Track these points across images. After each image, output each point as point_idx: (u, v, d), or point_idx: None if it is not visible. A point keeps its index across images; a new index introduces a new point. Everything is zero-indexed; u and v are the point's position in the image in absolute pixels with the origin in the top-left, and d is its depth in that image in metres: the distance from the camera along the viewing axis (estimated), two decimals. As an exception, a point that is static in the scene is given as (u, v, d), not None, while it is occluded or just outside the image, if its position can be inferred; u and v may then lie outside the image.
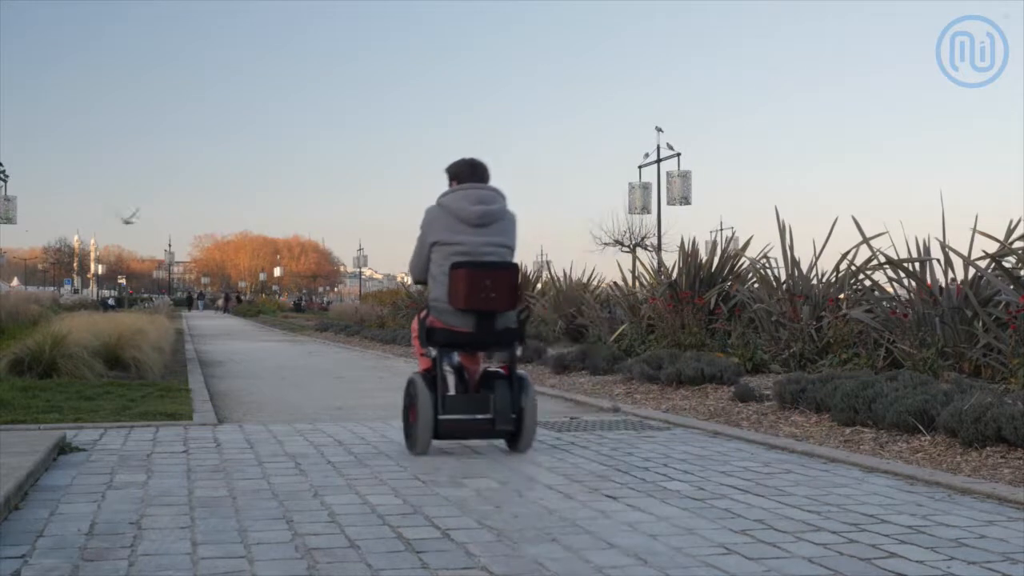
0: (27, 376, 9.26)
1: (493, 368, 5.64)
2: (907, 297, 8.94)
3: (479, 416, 5.34)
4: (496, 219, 5.40)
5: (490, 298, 5.24)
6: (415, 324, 5.60)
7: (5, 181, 22.11)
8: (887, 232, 9.71)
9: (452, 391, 5.40)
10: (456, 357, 5.56)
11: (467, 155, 5.60)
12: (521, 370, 5.60)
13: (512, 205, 5.54)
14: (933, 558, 3.21)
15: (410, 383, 5.45)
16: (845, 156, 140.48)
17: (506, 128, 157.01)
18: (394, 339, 19.36)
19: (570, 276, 18.00)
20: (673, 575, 3.02)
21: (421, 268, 5.49)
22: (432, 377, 5.31)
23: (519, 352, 5.60)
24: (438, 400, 5.26)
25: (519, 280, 5.48)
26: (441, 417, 5.26)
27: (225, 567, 3.06)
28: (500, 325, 5.39)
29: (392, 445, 5.77)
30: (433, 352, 5.36)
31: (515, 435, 5.40)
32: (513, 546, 3.35)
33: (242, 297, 75.23)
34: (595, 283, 18.17)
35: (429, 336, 5.37)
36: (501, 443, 5.65)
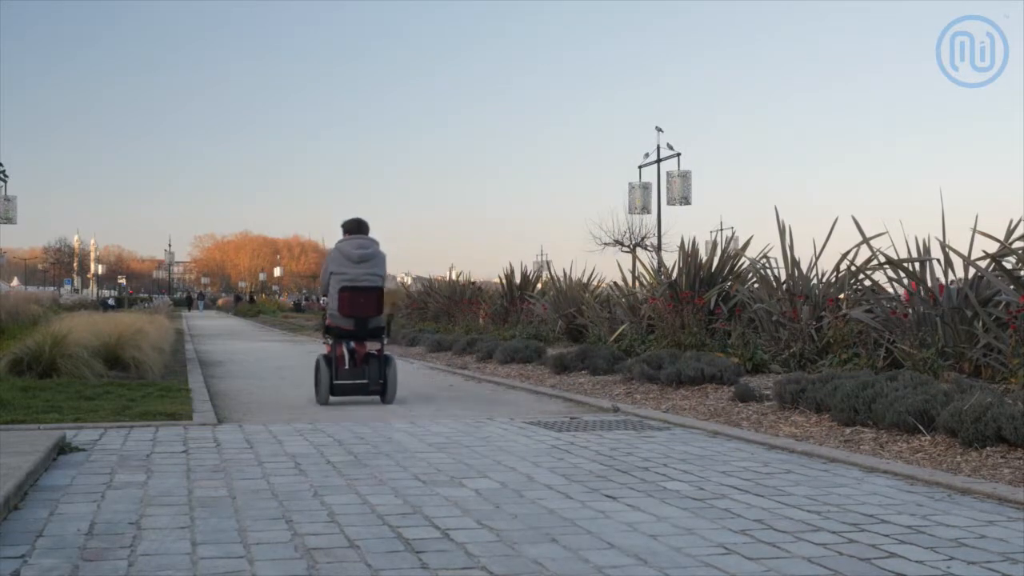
0: (27, 376, 9.26)
1: (372, 350, 8.21)
2: (907, 296, 8.94)
3: (359, 381, 8.15)
4: (371, 258, 8.29)
5: (363, 309, 8.14)
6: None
7: (5, 181, 22.06)
8: (887, 232, 9.71)
9: (346, 365, 8.12)
10: (352, 344, 8.16)
11: (356, 215, 8.56)
12: (388, 352, 8.39)
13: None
14: (933, 558, 3.21)
15: (317, 360, 8.28)
16: (845, 156, 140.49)
17: (506, 128, 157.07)
18: (394, 339, 19.34)
19: (570, 276, 17.98)
20: (673, 575, 3.02)
21: (324, 288, 8.47)
22: (329, 357, 8.16)
23: (386, 341, 8.38)
24: (333, 370, 8.10)
25: (383, 297, 8.37)
26: (335, 382, 8.12)
27: (225, 567, 3.06)
28: (372, 325, 8.22)
29: (392, 445, 5.78)
30: (330, 341, 8.25)
31: (383, 393, 8.16)
32: (513, 546, 3.35)
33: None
34: (595, 283, 18.16)
35: (327, 331, 8.33)
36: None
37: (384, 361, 8.20)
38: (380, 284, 8.38)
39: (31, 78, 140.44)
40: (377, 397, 8.20)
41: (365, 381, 8.13)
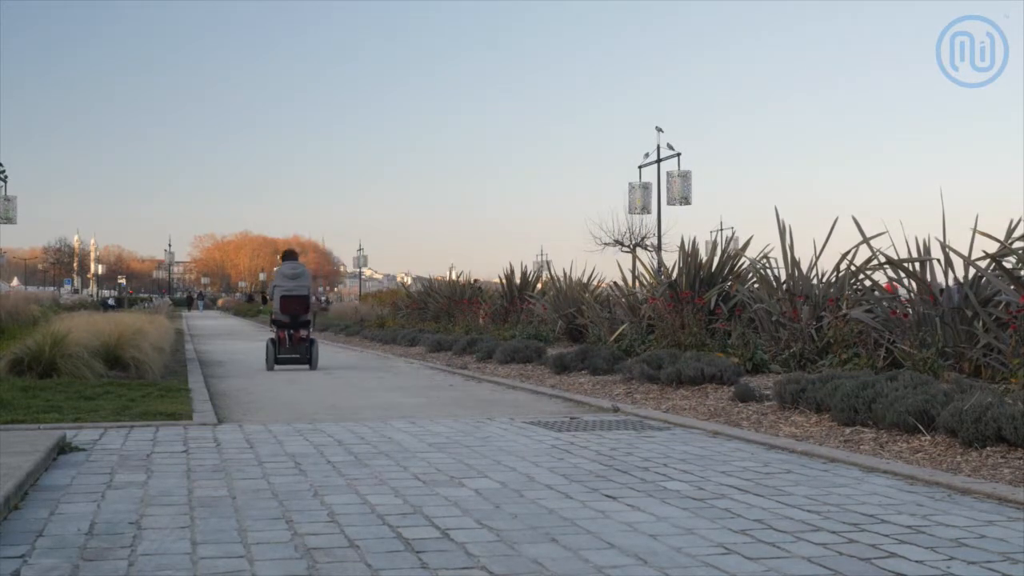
0: (27, 376, 9.26)
1: (303, 336, 12.55)
2: (907, 297, 8.94)
3: (294, 355, 12.41)
4: (300, 275, 12.68)
5: (295, 310, 12.45)
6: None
7: (5, 181, 22.04)
8: (887, 232, 9.71)
9: (286, 345, 12.45)
10: (291, 331, 12.46)
11: (289, 247, 15.60)
12: (313, 336, 12.94)
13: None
14: (933, 558, 3.21)
15: (267, 341, 12.77)
16: (845, 156, 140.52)
17: (507, 128, 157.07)
18: (394, 339, 19.35)
19: (570, 276, 17.98)
20: (673, 575, 3.02)
21: (271, 296, 12.86)
22: (275, 340, 12.48)
23: (312, 329, 12.86)
24: (277, 348, 12.44)
25: (310, 302, 12.72)
26: (278, 356, 12.38)
27: (225, 567, 3.06)
28: (301, 319, 12.53)
29: (392, 445, 5.78)
30: (275, 329, 12.56)
31: (310, 362, 12.42)
32: (513, 546, 3.35)
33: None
34: (595, 283, 18.17)
35: (273, 323, 12.64)
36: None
37: (310, 343, 12.63)
38: (307, 293, 12.75)
39: (31, 78, 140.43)
40: (307, 366, 12.48)
41: (298, 356, 12.50)
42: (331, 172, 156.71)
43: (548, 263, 24.42)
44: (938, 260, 8.96)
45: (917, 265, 9.13)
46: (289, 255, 13.14)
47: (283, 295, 12.45)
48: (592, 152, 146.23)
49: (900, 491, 4.36)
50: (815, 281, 10.32)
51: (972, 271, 8.63)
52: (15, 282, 77.23)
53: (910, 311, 8.63)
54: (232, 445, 5.75)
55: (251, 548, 3.29)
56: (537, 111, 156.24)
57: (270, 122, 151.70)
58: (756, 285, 11.47)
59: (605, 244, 25.83)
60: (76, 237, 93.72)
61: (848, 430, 6.14)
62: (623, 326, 12.90)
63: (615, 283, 15.35)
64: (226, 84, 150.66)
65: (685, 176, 19.81)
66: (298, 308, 12.44)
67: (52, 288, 73.16)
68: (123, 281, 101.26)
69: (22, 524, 3.62)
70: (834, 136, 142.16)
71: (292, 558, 3.17)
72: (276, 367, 12.30)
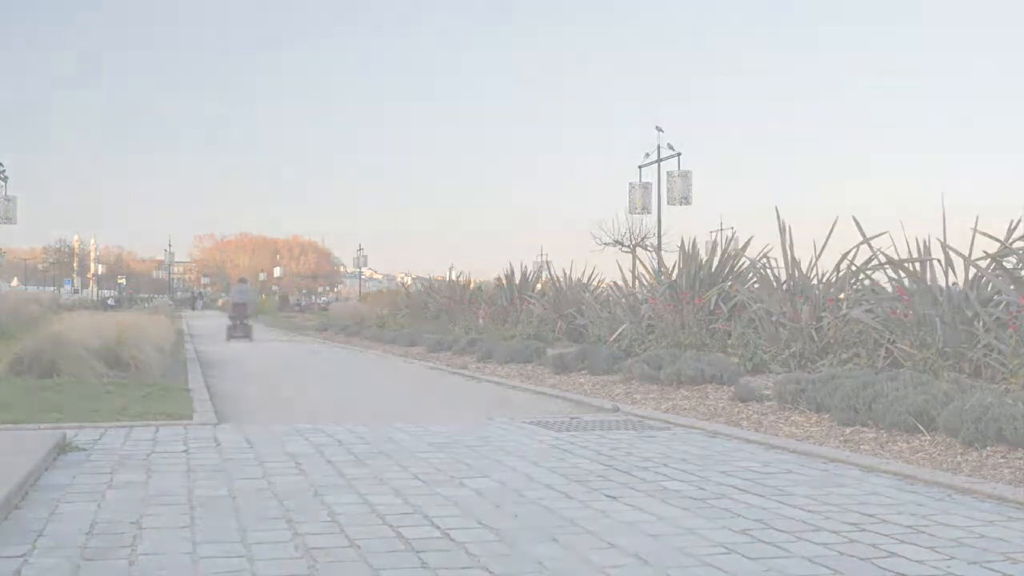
0: (27, 376, 9.25)
1: (245, 323, 22.96)
2: (907, 296, 8.93)
3: (240, 334, 22.36)
4: (246, 292, 24.32)
5: (241, 311, 23.50)
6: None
7: (5, 181, 22.02)
8: (887, 232, 9.69)
9: (237, 329, 22.67)
10: (239, 322, 23.06)
11: (242, 276, 35.65)
12: (251, 322, 24.05)
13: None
14: (933, 558, 3.21)
15: (227, 326, 23.31)
16: (846, 156, 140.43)
17: (507, 127, 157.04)
18: (394, 339, 19.34)
19: (570, 276, 17.96)
20: (673, 575, 3.02)
21: (231, 302, 24.82)
22: (230, 326, 23.02)
23: (251, 319, 24.74)
24: (231, 331, 22.73)
25: (253, 305, 26.11)
26: (232, 335, 22.36)
27: (225, 567, 3.06)
28: (245, 314, 23.68)
29: (392, 444, 5.78)
30: (231, 320, 23.35)
31: (248, 338, 22.10)
32: (514, 546, 3.35)
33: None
34: (595, 283, 18.15)
35: (230, 317, 23.62)
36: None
37: (249, 327, 21.85)
38: (248, 300, 22.84)
39: (31, 78, 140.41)
40: (248, 340, 21.24)
41: (242, 334, 21.23)
42: (331, 172, 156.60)
43: (548, 263, 24.33)
44: (938, 260, 8.95)
45: (917, 265, 9.12)
46: (241, 280, 24.88)
47: (235, 302, 22.57)
48: (592, 152, 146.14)
49: (900, 491, 4.36)
50: (815, 281, 10.30)
51: (972, 271, 8.62)
52: (15, 282, 77.15)
53: (910, 311, 8.62)
54: (232, 445, 5.75)
55: (251, 548, 3.29)
56: (537, 110, 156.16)
57: (270, 122, 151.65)
58: (756, 285, 11.45)
59: (605, 244, 25.73)
60: (76, 237, 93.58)
61: (848, 430, 6.14)
62: (623, 326, 12.89)
63: (615, 283, 15.35)
64: (226, 84, 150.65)
65: (685, 176, 19.78)
66: (243, 310, 22.32)
67: (52, 288, 73.07)
68: (123, 281, 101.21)
69: (23, 524, 3.62)
70: (834, 136, 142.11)
71: (292, 558, 3.17)
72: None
